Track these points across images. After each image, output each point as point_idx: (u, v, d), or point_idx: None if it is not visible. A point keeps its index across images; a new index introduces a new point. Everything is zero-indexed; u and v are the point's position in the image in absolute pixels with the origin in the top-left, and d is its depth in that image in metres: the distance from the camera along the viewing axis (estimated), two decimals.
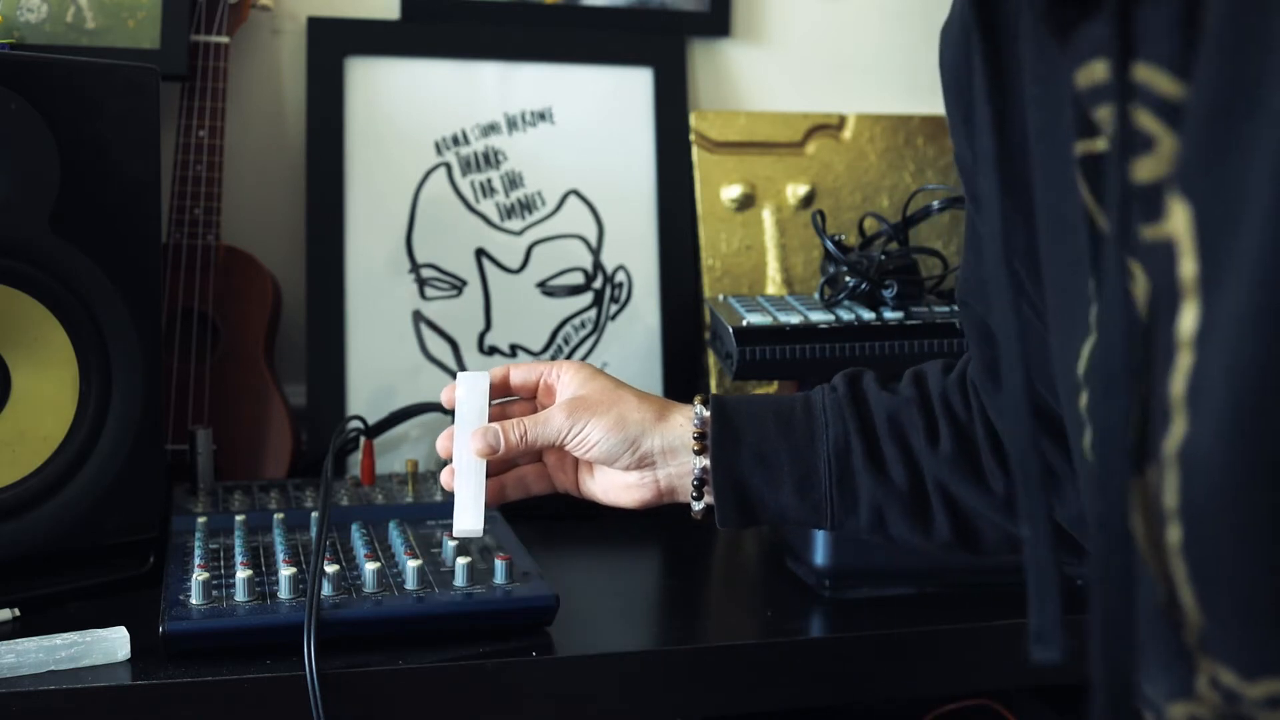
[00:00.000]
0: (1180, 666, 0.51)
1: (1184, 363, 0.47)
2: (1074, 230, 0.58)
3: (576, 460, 0.91)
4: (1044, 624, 0.56)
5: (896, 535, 0.85)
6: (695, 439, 0.85)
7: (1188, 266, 0.47)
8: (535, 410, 0.89)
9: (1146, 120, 0.50)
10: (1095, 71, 0.53)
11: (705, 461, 0.85)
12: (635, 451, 0.86)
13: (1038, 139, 0.61)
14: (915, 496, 0.83)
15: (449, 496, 1.11)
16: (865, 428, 0.84)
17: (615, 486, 0.88)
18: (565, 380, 0.89)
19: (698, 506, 0.87)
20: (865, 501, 0.84)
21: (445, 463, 0.89)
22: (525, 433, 0.86)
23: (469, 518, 0.86)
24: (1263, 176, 0.43)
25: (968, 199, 0.74)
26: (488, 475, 0.88)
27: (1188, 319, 0.47)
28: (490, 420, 0.88)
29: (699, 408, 0.86)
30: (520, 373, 0.91)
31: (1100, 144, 0.54)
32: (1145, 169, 0.50)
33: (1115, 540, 0.50)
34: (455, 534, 0.87)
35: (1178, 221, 0.47)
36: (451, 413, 0.89)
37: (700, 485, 0.86)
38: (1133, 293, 0.52)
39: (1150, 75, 0.50)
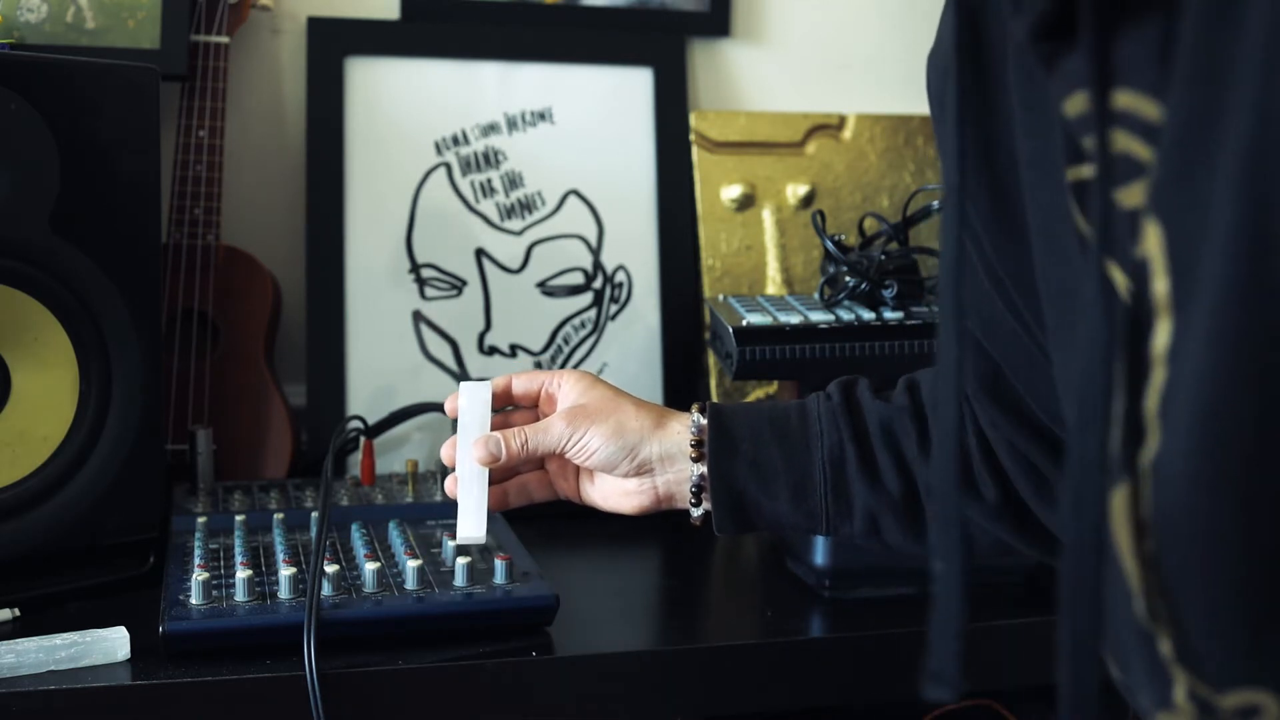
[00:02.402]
0: (1159, 679, 0.52)
1: (1158, 378, 0.48)
2: (1069, 253, 0.59)
3: (577, 468, 0.92)
4: (943, 664, 0.57)
5: (891, 542, 0.86)
6: (693, 446, 0.87)
7: (1160, 285, 0.48)
8: (536, 419, 0.91)
9: (1134, 145, 0.51)
10: (1080, 102, 0.53)
11: (703, 469, 0.86)
12: (634, 459, 0.87)
13: (1029, 165, 0.61)
14: (908, 504, 0.84)
15: (450, 499, 1.11)
16: (859, 436, 0.85)
17: (615, 493, 0.90)
18: (566, 389, 0.90)
19: (696, 513, 0.88)
20: (859, 509, 0.85)
21: (448, 469, 0.90)
22: (526, 441, 0.87)
23: (472, 525, 0.87)
24: (1225, 200, 0.45)
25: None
26: (490, 483, 0.89)
27: (1161, 336, 0.48)
28: (492, 429, 0.89)
29: (696, 416, 0.87)
30: (522, 382, 0.92)
31: (1088, 170, 0.55)
32: (1133, 195, 0.51)
33: (1085, 557, 0.51)
34: (458, 541, 0.88)
35: (1151, 241, 0.48)
36: (454, 421, 0.90)
37: (698, 492, 0.87)
38: (1115, 316, 0.52)
39: (1135, 102, 0.50)
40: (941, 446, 0.59)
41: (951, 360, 0.59)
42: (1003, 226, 0.66)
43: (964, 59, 0.61)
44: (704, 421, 0.87)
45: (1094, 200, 0.52)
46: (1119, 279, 0.53)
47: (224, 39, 1.26)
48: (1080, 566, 0.51)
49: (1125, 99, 0.51)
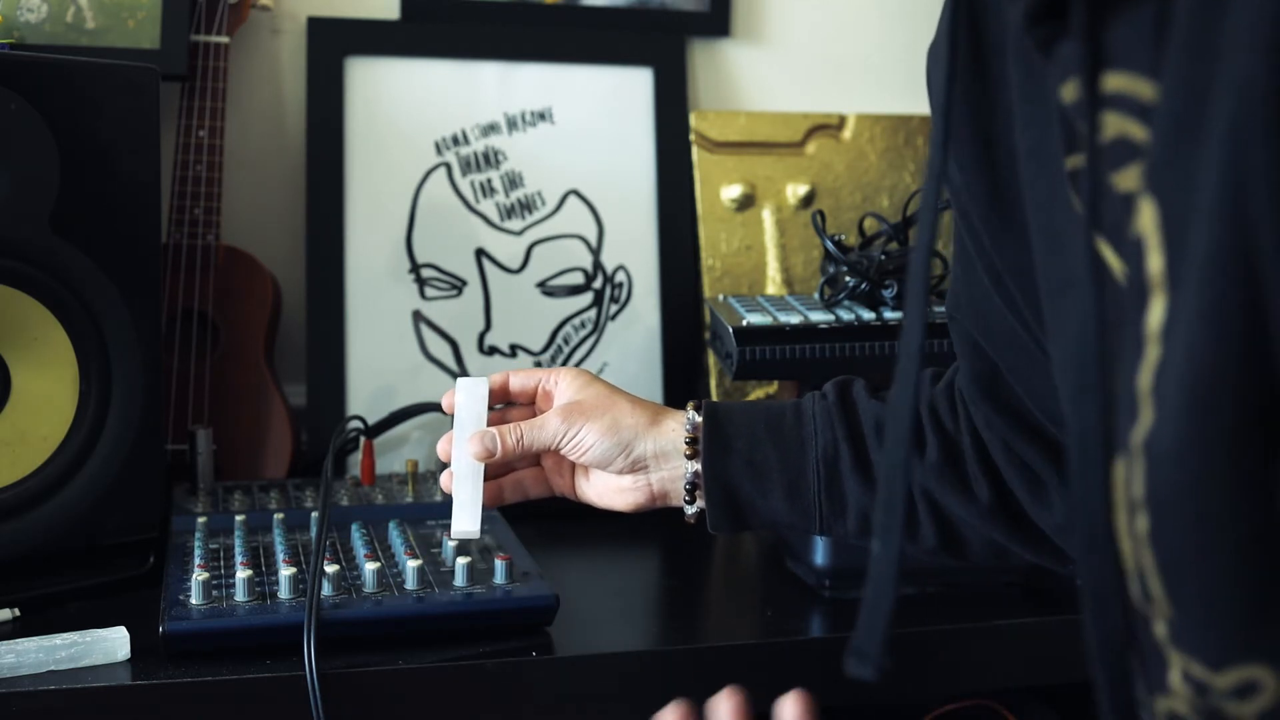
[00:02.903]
0: (1155, 661, 0.52)
1: (1151, 355, 0.48)
2: (1067, 246, 0.58)
3: (573, 464, 0.92)
4: (868, 641, 0.58)
5: None
6: (687, 444, 0.87)
7: (1155, 262, 0.48)
8: (533, 415, 0.91)
9: (1130, 127, 0.51)
10: (1075, 87, 0.54)
11: (697, 466, 0.87)
12: (628, 455, 0.87)
13: (1028, 158, 0.61)
14: None
15: (449, 497, 1.11)
16: (854, 435, 0.85)
17: (610, 490, 0.90)
18: (562, 386, 0.91)
19: (690, 510, 0.88)
20: (853, 507, 0.85)
21: (445, 465, 0.90)
22: (522, 437, 0.88)
23: (467, 519, 0.88)
24: (1211, 177, 0.45)
25: (956, 216, 0.75)
26: (486, 478, 0.90)
27: (1155, 313, 0.48)
28: (489, 425, 0.89)
29: (691, 413, 0.88)
30: (519, 379, 0.93)
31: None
32: (1129, 178, 0.51)
33: (1098, 532, 0.51)
34: (453, 535, 0.88)
35: (1146, 218, 0.48)
36: (451, 417, 0.90)
37: (692, 489, 0.88)
38: (1105, 292, 0.52)
39: (1130, 83, 0.51)
40: (894, 421, 0.60)
41: (915, 344, 0.59)
42: (1002, 223, 0.66)
43: (954, 46, 0.62)
44: (699, 419, 0.87)
45: (1084, 184, 0.52)
46: (1113, 261, 0.53)
47: (224, 39, 1.26)
48: (1092, 532, 0.51)
49: (1120, 81, 0.51)
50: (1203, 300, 0.45)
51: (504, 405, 0.95)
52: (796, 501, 0.86)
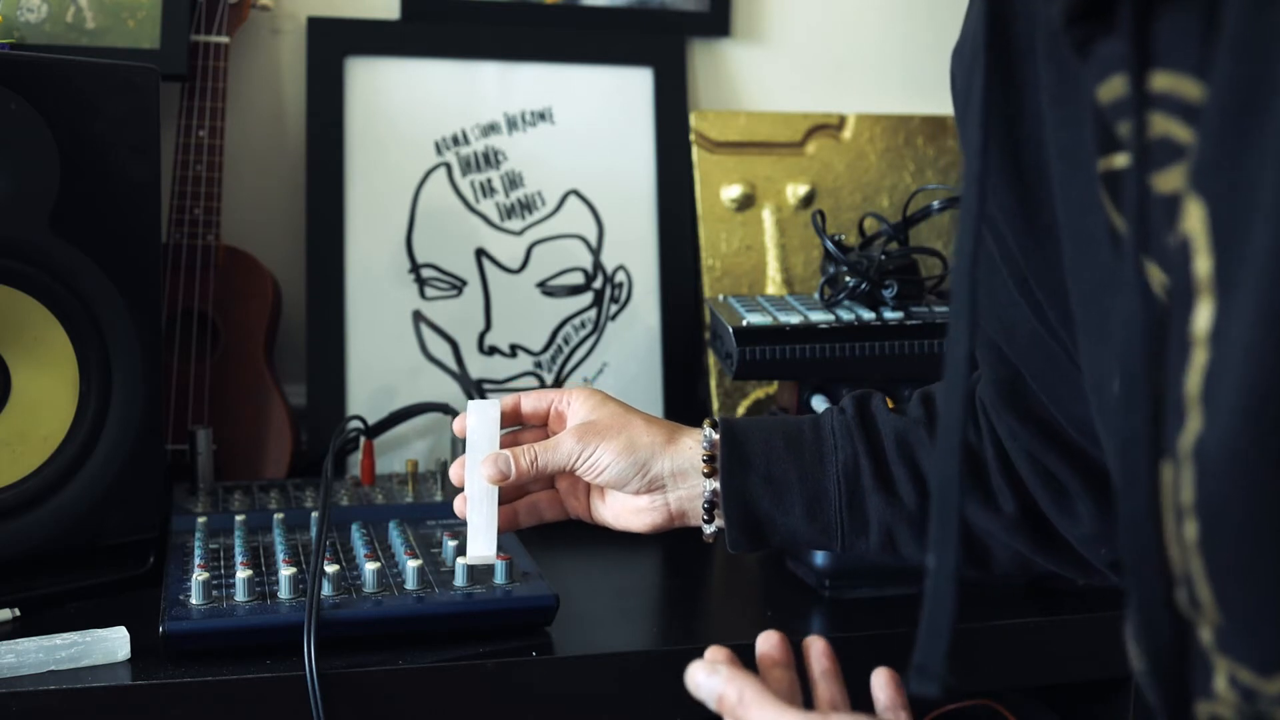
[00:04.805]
0: (1200, 666, 0.51)
1: (1199, 360, 0.47)
2: (1100, 247, 0.58)
3: (588, 486, 0.91)
4: (930, 658, 0.57)
5: (907, 555, 0.85)
6: (705, 461, 0.86)
7: (1202, 264, 0.47)
8: (546, 438, 0.90)
9: (1174, 128, 0.50)
10: (1116, 86, 0.53)
11: (715, 484, 0.86)
12: (645, 475, 0.86)
13: (1059, 159, 0.61)
14: (925, 517, 0.83)
15: (449, 497, 1.11)
16: (874, 449, 0.84)
17: (626, 511, 0.89)
18: (575, 406, 0.90)
19: (709, 529, 0.87)
20: (875, 523, 0.84)
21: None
22: (536, 458, 0.86)
23: (482, 544, 0.87)
24: (1270, 178, 0.44)
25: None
26: (500, 502, 0.89)
27: (1203, 316, 0.47)
28: (501, 447, 0.88)
29: (708, 430, 0.87)
30: (530, 400, 0.92)
31: (1121, 160, 0.54)
32: (1172, 179, 0.50)
33: (1146, 540, 0.51)
34: (468, 561, 0.88)
35: (1193, 220, 0.47)
36: (463, 441, 0.90)
37: (711, 508, 0.87)
38: (1153, 294, 0.52)
39: (1175, 83, 0.50)
40: (945, 438, 0.59)
41: (961, 353, 0.58)
42: (1028, 225, 0.65)
43: (991, 52, 0.61)
44: (716, 436, 0.86)
45: (1129, 185, 0.51)
46: (1154, 273, 0.52)
47: (224, 39, 1.26)
48: (1140, 539, 0.51)
49: (1164, 80, 0.50)
50: (1261, 303, 0.44)
51: (516, 428, 0.94)
52: (817, 518, 0.85)
